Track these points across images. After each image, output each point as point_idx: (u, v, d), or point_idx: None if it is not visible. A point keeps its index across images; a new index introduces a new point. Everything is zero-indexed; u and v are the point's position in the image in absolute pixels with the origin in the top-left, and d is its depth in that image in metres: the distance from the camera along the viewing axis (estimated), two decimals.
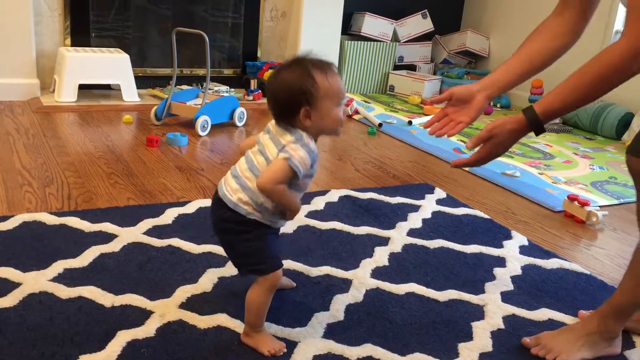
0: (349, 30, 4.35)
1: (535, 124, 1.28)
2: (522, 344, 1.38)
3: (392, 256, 1.76)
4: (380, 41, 4.31)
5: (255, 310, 1.26)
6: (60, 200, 1.97)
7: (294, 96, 1.18)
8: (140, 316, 1.34)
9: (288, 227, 1.87)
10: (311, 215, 1.99)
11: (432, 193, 2.32)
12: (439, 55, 4.69)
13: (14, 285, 1.42)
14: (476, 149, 1.36)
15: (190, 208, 1.95)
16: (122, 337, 1.26)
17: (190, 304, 1.41)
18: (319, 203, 2.09)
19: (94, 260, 1.57)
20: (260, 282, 1.25)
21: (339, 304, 1.47)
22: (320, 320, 1.39)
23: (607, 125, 3.51)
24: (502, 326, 1.45)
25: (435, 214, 2.12)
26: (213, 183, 2.24)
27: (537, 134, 1.31)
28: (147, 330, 1.29)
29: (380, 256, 1.75)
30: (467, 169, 2.67)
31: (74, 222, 1.78)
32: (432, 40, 4.67)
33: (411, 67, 4.55)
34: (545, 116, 1.27)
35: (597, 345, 1.35)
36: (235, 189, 1.22)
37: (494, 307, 1.53)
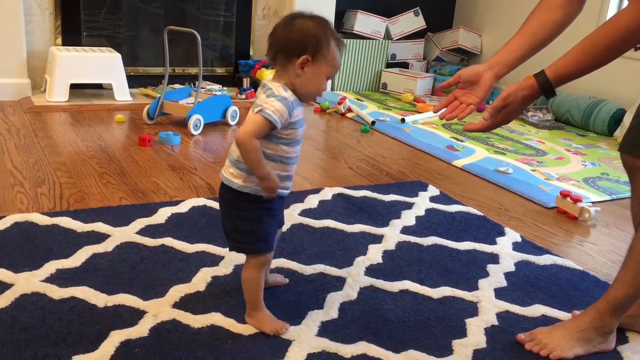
0: (341, 28, 4.34)
1: (547, 89, 1.31)
2: (516, 340, 1.38)
3: (386, 254, 1.76)
4: (372, 39, 4.31)
5: (249, 288, 1.31)
6: (52, 200, 1.96)
7: (306, 39, 1.19)
8: (133, 316, 1.34)
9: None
10: (305, 213, 1.99)
11: (426, 190, 2.32)
12: (432, 52, 4.70)
13: (6, 286, 1.41)
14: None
15: (183, 207, 1.95)
16: (116, 337, 1.25)
17: (183, 304, 1.40)
18: (312, 201, 2.09)
19: (86, 261, 1.56)
20: (249, 261, 1.30)
21: (333, 302, 1.47)
22: (315, 318, 1.39)
23: (599, 121, 3.52)
24: (495, 322, 1.45)
25: (428, 211, 2.12)
26: (206, 182, 2.24)
27: (547, 98, 1.35)
28: (141, 330, 1.29)
29: (374, 254, 1.75)
30: (459, 166, 2.68)
31: (66, 222, 1.77)
32: (425, 38, 4.67)
33: (404, 65, 4.56)
34: (556, 81, 1.30)
35: (592, 341, 1.35)
36: (227, 164, 1.28)
37: (487, 303, 1.53)
